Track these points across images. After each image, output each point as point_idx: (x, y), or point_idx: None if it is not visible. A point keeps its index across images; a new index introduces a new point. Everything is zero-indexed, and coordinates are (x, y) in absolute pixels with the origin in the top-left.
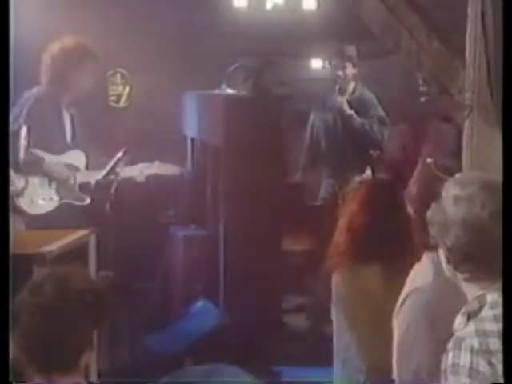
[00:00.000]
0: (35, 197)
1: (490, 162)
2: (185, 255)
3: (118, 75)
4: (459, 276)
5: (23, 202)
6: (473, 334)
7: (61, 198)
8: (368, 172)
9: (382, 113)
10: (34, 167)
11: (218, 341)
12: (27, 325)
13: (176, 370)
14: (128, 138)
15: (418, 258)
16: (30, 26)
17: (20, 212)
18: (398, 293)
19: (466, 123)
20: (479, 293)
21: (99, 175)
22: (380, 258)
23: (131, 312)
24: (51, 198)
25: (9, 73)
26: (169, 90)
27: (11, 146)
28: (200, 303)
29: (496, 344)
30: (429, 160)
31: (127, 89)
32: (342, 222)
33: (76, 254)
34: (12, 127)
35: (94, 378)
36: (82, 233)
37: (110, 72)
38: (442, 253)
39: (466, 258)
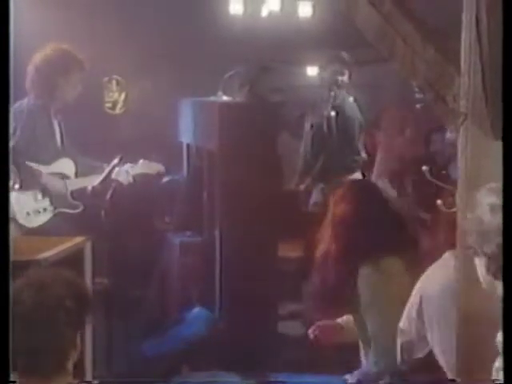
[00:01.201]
0: (31, 209)
1: (485, 169)
2: (181, 262)
3: (114, 82)
4: (499, 285)
5: (19, 215)
6: None
7: (55, 208)
8: (357, 175)
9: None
10: (31, 181)
11: (213, 347)
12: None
13: (172, 376)
14: (124, 144)
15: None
16: (22, 33)
17: (15, 224)
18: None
19: (461, 130)
20: None
21: (94, 181)
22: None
23: (127, 318)
24: (45, 209)
25: (9, 78)
26: (165, 96)
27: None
28: (196, 309)
29: None
30: (424, 167)
31: (123, 95)
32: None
33: (72, 260)
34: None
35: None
36: (77, 239)
37: (106, 79)
38: (479, 262)
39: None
